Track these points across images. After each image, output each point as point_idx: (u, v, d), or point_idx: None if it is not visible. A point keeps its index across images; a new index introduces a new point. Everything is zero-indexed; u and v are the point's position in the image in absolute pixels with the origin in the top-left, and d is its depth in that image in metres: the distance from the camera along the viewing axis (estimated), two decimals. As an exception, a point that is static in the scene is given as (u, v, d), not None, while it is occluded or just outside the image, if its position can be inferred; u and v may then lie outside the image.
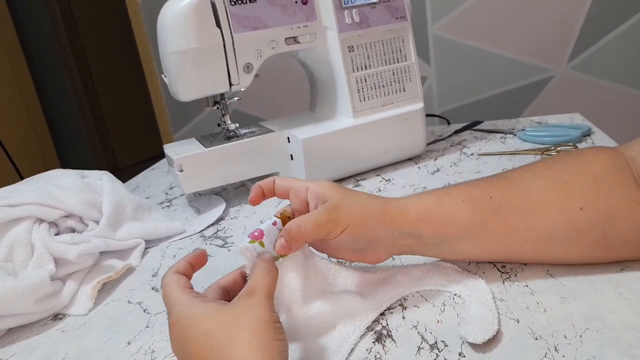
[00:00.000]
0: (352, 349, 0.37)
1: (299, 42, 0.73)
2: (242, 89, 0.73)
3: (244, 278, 0.40)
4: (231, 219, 0.69)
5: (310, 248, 0.43)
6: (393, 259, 0.50)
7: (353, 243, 0.41)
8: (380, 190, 0.71)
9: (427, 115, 0.82)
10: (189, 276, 0.38)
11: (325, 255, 0.44)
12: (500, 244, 0.42)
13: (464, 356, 0.35)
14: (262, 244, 0.38)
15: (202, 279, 0.54)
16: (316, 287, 0.41)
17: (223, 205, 0.72)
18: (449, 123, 1.01)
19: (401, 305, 0.42)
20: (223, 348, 0.30)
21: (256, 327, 0.31)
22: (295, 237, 0.38)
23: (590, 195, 0.39)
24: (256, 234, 0.38)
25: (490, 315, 0.37)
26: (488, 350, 0.35)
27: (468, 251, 0.43)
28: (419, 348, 0.36)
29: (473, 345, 0.35)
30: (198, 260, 0.39)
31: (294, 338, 0.38)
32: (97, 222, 0.59)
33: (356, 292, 0.42)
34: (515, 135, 0.85)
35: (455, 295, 0.42)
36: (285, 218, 0.41)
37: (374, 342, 0.38)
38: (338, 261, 0.45)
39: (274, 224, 0.40)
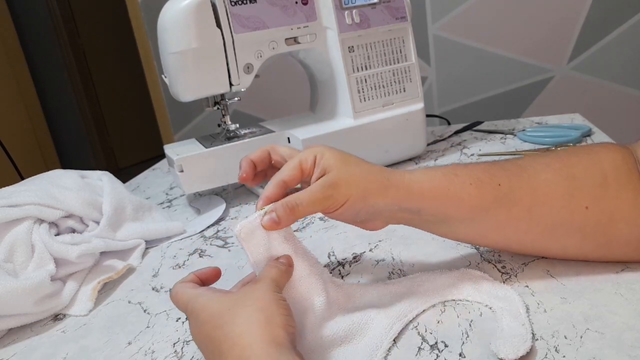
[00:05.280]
0: None
1: (299, 43, 0.73)
2: (243, 90, 0.73)
3: None
4: (231, 219, 0.69)
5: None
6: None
7: (352, 215, 0.40)
8: (380, 191, 0.71)
9: (428, 116, 0.82)
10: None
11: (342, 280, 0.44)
12: (500, 233, 0.41)
13: (465, 357, 0.35)
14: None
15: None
16: (339, 307, 0.40)
17: (223, 206, 0.72)
18: (449, 123, 1.01)
19: (401, 305, 0.42)
20: (226, 326, 0.31)
21: (257, 304, 0.32)
22: (290, 211, 0.37)
23: (597, 195, 0.39)
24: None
25: (523, 329, 0.35)
26: (489, 351, 0.35)
27: (466, 234, 0.43)
28: (419, 349, 0.36)
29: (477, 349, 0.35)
30: (209, 276, 0.39)
31: (320, 357, 0.37)
32: (98, 223, 0.59)
33: (380, 305, 0.41)
34: (515, 135, 0.85)
35: (486, 306, 0.40)
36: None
37: (374, 342, 0.38)
38: (359, 281, 0.46)
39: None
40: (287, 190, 0.40)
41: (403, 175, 0.40)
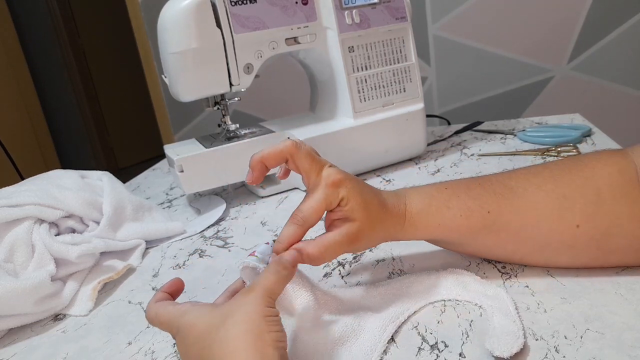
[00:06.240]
0: None
1: (299, 43, 0.73)
2: (243, 90, 0.73)
3: None
4: (232, 219, 0.69)
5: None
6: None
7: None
8: (380, 191, 0.71)
9: (428, 116, 0.82)
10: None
11: (331, 284, 0.45)
12: (489, 252, 0.44)
13: (465, 357, 0.35)
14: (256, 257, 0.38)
15: (203, 279, 0.54)
16: (329, 311, 0.40)
17: (223, 206, 0.72)
18: (449, 123, 1.01)
19: (401, 305, 0.42)
20: (215, 347, 0.30)
21: (244, 322, 0.31)
22: (310, 262, 0.38)
23: (589, 212, 0.38)
24: (251, 252, 0.39)
25: (514, 326, 0.36)
26: (489, 351, 0.35)
27: (455, 250, 0.47)
28: (419, 349, 0.36)
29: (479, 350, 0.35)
30: (177, 288, 0.38)
31: None
32: (98, 223, 0.59)
33: (372, 307, 0.41)
34: (515, 135, 0.85)
35: (476, 305, 0.40)
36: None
37: (374, 342, 0.38)
38: (359, 281, 0.47)
39: (267, 243, 0.40)
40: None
41: (404, 215, 0.42)
